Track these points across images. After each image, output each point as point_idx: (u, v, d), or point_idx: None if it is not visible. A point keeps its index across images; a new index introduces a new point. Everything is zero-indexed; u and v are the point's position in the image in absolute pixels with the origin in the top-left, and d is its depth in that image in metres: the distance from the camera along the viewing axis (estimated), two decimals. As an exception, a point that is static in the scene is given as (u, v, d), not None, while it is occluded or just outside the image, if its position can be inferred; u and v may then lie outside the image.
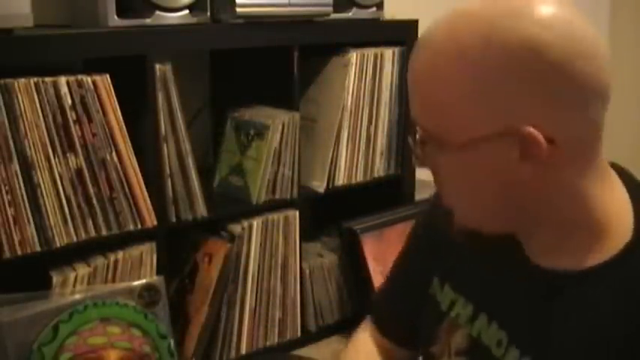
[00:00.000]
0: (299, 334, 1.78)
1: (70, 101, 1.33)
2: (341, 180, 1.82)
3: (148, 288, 1.34)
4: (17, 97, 1.27)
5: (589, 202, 0.71)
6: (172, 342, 1.38)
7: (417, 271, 0.96)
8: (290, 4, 1.60)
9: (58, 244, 1.34)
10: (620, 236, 0.72)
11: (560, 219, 0.73)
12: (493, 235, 0.78)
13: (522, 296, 0.78)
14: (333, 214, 1.90)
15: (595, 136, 0.69)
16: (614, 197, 0.73)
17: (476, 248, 0.84)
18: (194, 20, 1.52)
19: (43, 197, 1.32)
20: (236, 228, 1.63)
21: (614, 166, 0.78)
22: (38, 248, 1.32)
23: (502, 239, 0.79)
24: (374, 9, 1.83)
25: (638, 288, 0.69)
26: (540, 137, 0.65)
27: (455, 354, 0.85)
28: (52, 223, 1.33)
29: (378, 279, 1.76)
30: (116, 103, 1.38)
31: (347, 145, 1.81)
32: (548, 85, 0.65)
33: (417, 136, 0.74)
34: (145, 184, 1.44)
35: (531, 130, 0.65)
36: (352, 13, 1.79)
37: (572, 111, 0.66)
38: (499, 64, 0.65)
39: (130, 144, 1.40)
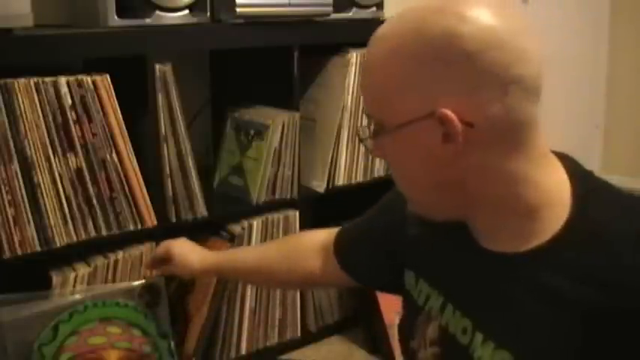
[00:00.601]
0: (299, 334, 1.78)
1: (70, 101, 1.33)
2: (341, 180, 1.82)
3: (148, 288, 1.34)
4: (17, 97, 1.27)
5: (519, 184, 0.76)
6: (172, 342, 1.38)
7: (386, 246, 1.02)
8: (290, 4, 1.60)
9: (58, 244, 1.34)
10: (557, 216, 0.76)
11: (493, 202, 0.78)
12: (444, 222, 0.84)
13: (479, 282, 0.82)
14: (333, 214, 1.90)
15: (520, 123, 0.74)
16: (551, 180, 0.77)
17: (429, 236, 0.91)
18: (194, 20, 1.52)
19: (43, 197, 1.32)
20: (236, 228, 1.63)
21: (558, 154, 0.82)
22: (38, 248, 1.32)
23: (454, 227, 0.84)
24: (374, 9, 1.83)
25: (581, 264, 0.73)
26: (455, 119, 0.72)
27: (429, 345, 0.89)
28: (52, 223, 1.33)
29: (378, 279, 1.76)
30: (116, 103, 1.38)
31: (347, 145, 1.81)
32: (463, 72, 0.72)
33: (370, 126, 0.82)
34: (145, 184, 1.44)
35: (447, 112, 0.72)
36: (352, 13, 1.79)
37: (488, 97, 0.72)
38: (424, 54, 0.73)
39: (130, 144, 1.40)
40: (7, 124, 1.27)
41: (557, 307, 0.73)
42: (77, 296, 1.33)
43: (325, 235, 1.15)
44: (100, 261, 1.42)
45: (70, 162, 1.35)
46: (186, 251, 1.29)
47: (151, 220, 1.46)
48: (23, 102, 1.28)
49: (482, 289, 0.82)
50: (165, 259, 1.31)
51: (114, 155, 1.39)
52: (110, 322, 1.28)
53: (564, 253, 0.74)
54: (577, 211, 0.76)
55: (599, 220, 0.74)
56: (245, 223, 1.64)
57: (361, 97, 0.81)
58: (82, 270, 1.39)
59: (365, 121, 0.83)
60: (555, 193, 0.77)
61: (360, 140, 0.85)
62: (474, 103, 0.72)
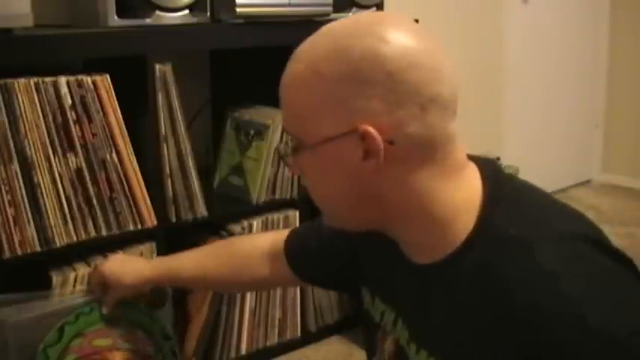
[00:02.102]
0: (299, 334, 1.78)
1: (70, 101, 1.33)
2: (341, 180, 1.81)
3: (154, 289, 1.33)
4: (17, 97, 1.27)
5: (429, 197, 0.79)
6: (175, 343, 1.37)
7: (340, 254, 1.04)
8: (290, 4, 1.60)
9: (58, 244, 1.34)
10: (465, 226, 0.79)
11: (406, 215, 0.80)
12: (356, 231, 0.87)
13: (411, 293, 0.85)
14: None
15: (438, 139, 0.77)
16: (460, 195, 0.80)
17: (370, 252, 0.94)
18: (194, 20, 1.52)
19: (43, 197, 1.32)
20: (236, 228, 1.63)
21: (482, 161, 0.84)
22: (38, 248, 1.32)
23: (385, 242, 0.86)
24: (374, 9, 1.83)
25: (484, 272, 0.75)
26: (377, 136, 0.74)
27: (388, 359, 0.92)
28: (52, 223, 1.33)
29: (378, 279, 1.76)
30: (116, 103, 1.38)
31: (347, 145, 1.81)
32: (385, 90, 0.74)
33: (289, 143, 0.83)
34: (145, 184, 1.44)
35: (370, 129, 0.74)
36: (352, 13, 1.79)
37: (408, 114, 0.74)
38: (344, 74, 0.75)
39: (130, 144, 1.40)
40: (7, 124, 1.27)
41: (469, 312, 0.76)
42: (79, 299, 1.33)
43: (269, 241, 1.16)
44: (99, 261, 1.42)
45: (70, 162, 1.35)
46: (118, 270, 1.23)
47: (150, 220, 1.46)
48: (23, 102, 1.28)
49: (414, 299, 0.85)
50: (103, 283, 1.23)
51: (114, 155, 1.39)
52: (115, 324, 1.28)
53: (468, 260, 0.77)
54: (481, 220, 0.78)
55: (499, 227, 0.77)
56: (245, 223, 1.64)
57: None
58: (82, 270, 1.39)
59: (285, 138, 0.83)
60: (464, 205, 0.79)
61: (280, 157, 0.87)
62: (394, 121, 0.74)
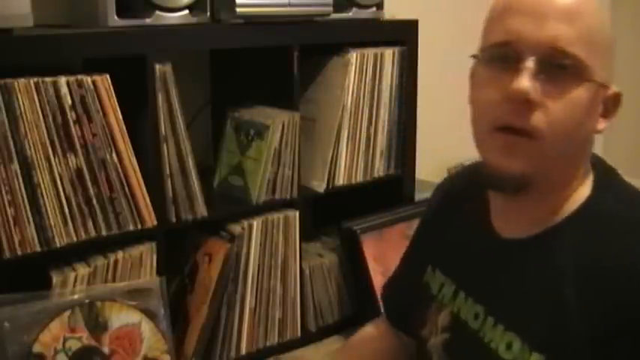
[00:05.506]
0: (299, 334, 1.78)
1: (70, 101, 1.33)
2: (341, 180, 1.82)
3: None
4: (17, 97, 1.27)
5: (587, 152, 0.86)
6: None
7: (417, 261, 1.06)
8: (290, 4, 1.60)
9: (58, 244, 1.34)
10: (575, 199, 0.82)
11: (563, 182, 0.83)
12: (463, 213, 0.91)
13: (492, 269, 0.87)
14: (333, 214, 1.90)
15: None
16: (587, 166, 0.85)
17: (445, 226, 0.98)
18: (194, 20, 1.52)
19: (43, 197, 1.32)
20: (236, 228, 1.63)
21: None
22: (38, 248, 1.32)
23: (471, 217, 0.90)
24: (374, 9, 1.83)
25: (588, 249, 0.77)
26: (619, 100, 0.84)
27: (440, 331, 0.93)
28: (52, 223, 1.33)
29: (378, 279, 1.76)
30: (116, 103, 1.38)
31: (347, 145, 1.81)
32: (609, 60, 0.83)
33: (557, 61, 0.81)
34: (145, 184, 1.44)
35: (618, 92, 0.84)
36: (352, 13, 1.79)
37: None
38: (612, 39, 0.84)
39: (130, 144, 1.40)
40: (7, 124, 1.27)
41: (562, 288, 0.77)
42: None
43: (375, 327, 1.21)
44: (100, 261, 1.42)
45: (70, 162, 1.35)
46: None
47: (151, 220, 1.46)
48: (23, 102, 1.28)
49: (495, 275, 0.86)
50: None
51: (114, 155, 1.39)
52: None
53: (574, 237, 0.79)
54: (594, 198, 0.81)
55: (612, 209, 0.79)
56: (245, 223, 1.64)
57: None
58: (82, 270, 1.39)
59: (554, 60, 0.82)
60: (586, 179, 0.84)
61: (545, 69, 0.81)
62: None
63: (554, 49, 0.79)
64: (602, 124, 0.84)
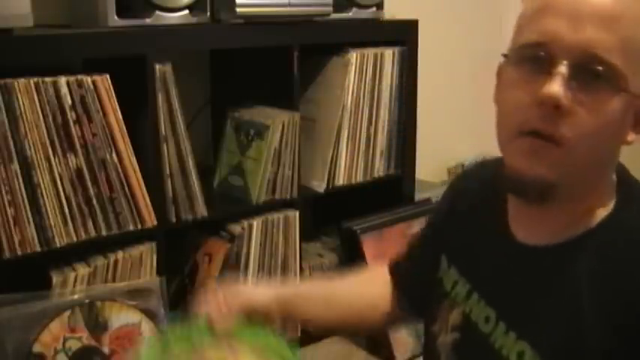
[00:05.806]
0: (299, 334, 1.78)
1: (70, 101, 1.33)
2: (341, 180, 1.82)
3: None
4: (17, 97, 1.27)
5: (611, 168, 0.83)
6: None
7: (430, 246, 1.05)
8: (290, 4, 1.60)
9: (58, 244, 1.34)
10: (599, 211, 0.80)
11: (587, 192, 0.81)
12: (484, 215, 0.89)
13: (509, 274, 0.85)
14: (333, 214, 1.90)
15: None
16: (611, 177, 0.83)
17: (466, 226, 0.95)
18: (194, 20, 1.52)
19: (43, 197, 1.32)
20: (236, 228, 1.63)
21: None
22: (38, 248, 1.32)
23: (492, 220, 0.88)
24: (374, 9, 1.83)
25: (610, 262, 0.76)
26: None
27: (450, 330, 0.92)
28: (52, 223, 1.33)
29: (378, 279, 1.76)
30: (116, 103, 1.38)
31: (347, 145, 1.81)
32: None
33: (592, 68, 0.76)
34: (145, 184, 1.44)
35: None
36: (352, 13, 1.79)
37: None
38: None
39: (130, 144, 1.40)
40: (7, 124, 1.27)
41: (580, 300, 0.76)
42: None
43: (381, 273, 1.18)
44: (100, 261, 1.42)
45: (70, 162, 1.35)
46: (249, 290, 1.13)
47: (151, 220, 1.46)
48: (23, 102, 1.28)
49: (511, 280, 0.84)
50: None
51: (114, 155, 1.39)
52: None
53: (595, 250, 0.77)
54: (617, 211, 0.79)
55: (635, 224, 0.78)
56: (245, 223, 1.64)
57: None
58: (82, 270, 1.39)
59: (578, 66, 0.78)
60: (609, 191, 0.82)
61: (579, 74, 0.77)
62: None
63: (590, 55, 0.75)
64: (631, 136, 0.79)
